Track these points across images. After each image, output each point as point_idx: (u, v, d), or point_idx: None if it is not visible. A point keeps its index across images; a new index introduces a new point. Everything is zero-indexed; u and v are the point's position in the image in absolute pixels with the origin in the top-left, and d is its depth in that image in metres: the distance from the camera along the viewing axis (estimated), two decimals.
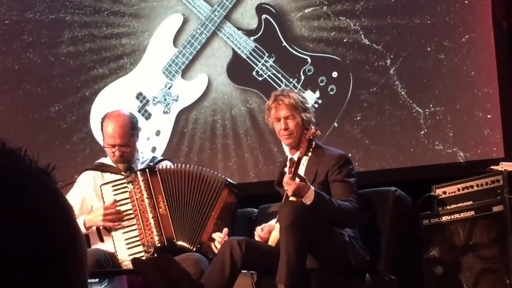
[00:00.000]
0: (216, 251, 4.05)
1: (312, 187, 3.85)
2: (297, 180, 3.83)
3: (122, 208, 4.21)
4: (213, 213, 4.16)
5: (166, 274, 3.33)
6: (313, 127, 4.00)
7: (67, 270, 0.81)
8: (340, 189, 4.00)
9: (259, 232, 4.11)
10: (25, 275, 0.78)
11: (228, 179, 4.30)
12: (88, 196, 4.31)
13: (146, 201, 4.18)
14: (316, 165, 4.04)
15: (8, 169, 0.81)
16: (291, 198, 3.92)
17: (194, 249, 4.11)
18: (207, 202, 4.18)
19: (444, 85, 5.09)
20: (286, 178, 3.83)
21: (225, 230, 4.12)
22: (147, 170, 4.23)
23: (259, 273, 4.06)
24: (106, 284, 3.23)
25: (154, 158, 4.50)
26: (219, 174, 4.38)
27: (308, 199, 3.82)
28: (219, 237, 4.09)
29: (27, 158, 0.83)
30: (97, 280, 3.21)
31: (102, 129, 4.34)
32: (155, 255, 4.09)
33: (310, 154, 3.91)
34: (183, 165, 4.38)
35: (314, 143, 3.92)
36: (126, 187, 4.22)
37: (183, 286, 3.37)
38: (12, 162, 0.82)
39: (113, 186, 4.22)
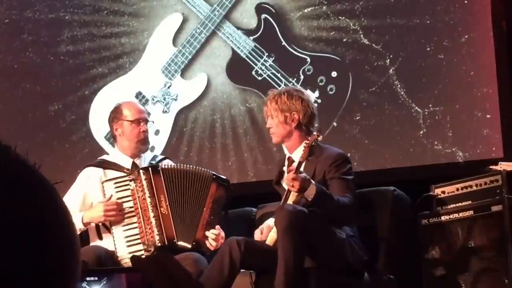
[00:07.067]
0: (210, 247, 4.08)
1: (313, 182, 3.85)
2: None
3: (123, 205, 4.19)
4: (204, 209, 4.16)
5: (166, 272, 3.33)
6: (315, 133, 4.01)
7: (60, 262, 0.81)
8: (337, 186, 3.99)
9: (258, 235, 4.11)
10: (14, 270, 0.78)
11: (215, 173, 4.28)
12: (90, 192, 4.26)
13: (148, 200, 4.17)
14: (314, 164, 4.04)
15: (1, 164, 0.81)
16: (292, 195, 3.93)
17: (191, 246, 4.12)
18: (199, 199, 4.18)
19: (444, 85, 5.09)
20: (291, 174, 3.82)
21: (217, 226, 4.13)
22: (150, 168, 4.21)
23: (258, 273, 4.06)
24: (105, 282, 3.23)
25: (155, 156, 4.48)
26: (206, 170, 4.31)
27: (310, 194, 3.82)
28: (212, 234, 4.11)
29: (18, 153, 0.83)
30: (96, 278, 3.20)
31: (118, 117, 4.33)
32: (155, 253, 4.09)
33: (310, 158, 3.92)
34: (182, 164, 4.37)
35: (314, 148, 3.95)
36: (128, 184, 4.20)
37: (183, 285, 3.36)
38: (3, 157, 0.82)
39: (115, 183, 4.19)
